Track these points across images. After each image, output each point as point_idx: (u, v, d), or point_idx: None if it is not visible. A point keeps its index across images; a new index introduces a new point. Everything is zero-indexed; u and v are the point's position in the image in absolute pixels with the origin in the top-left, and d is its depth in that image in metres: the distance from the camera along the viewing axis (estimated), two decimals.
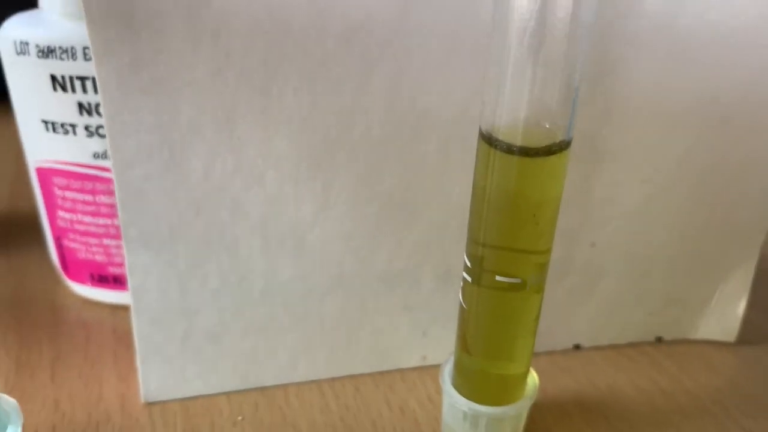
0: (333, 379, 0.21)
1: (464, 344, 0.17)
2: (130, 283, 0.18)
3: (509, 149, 0.14)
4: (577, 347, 0.23)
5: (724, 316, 0.23)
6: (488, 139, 0.15)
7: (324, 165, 0.18)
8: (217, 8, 0.15)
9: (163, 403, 0.20)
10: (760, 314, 0.25)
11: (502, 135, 0.14)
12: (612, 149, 0.19)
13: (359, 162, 0.18)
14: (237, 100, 0.17)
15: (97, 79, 0.16)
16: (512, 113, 0.14)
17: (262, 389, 0.21)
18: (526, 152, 0.14)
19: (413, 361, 0.22)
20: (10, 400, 0.16)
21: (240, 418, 0.20)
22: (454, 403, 0.18)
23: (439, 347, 0.21)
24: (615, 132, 0.19)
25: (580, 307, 0.22)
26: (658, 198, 0.21)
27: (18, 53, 0.20)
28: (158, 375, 0.20)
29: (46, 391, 0.20)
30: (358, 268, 0.20)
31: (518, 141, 0.14)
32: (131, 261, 0.18)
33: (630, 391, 0.21)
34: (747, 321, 0.23)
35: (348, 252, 0.19)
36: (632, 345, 0.23)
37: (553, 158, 0.14)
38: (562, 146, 0.14)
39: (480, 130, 0.15)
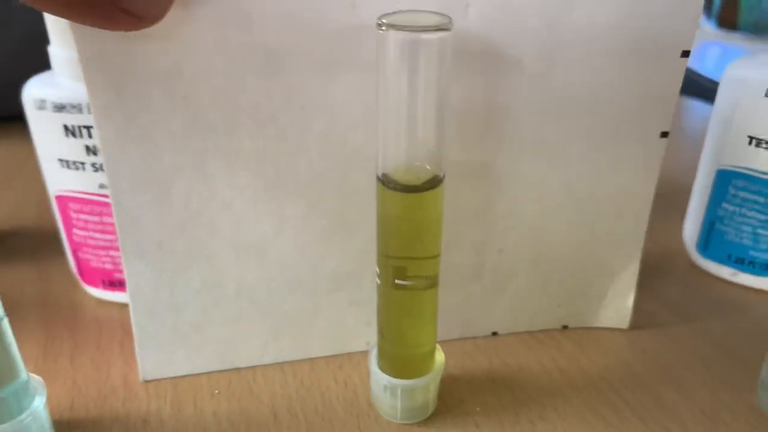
0: (293, 362, 0.25)
1: (380, 333, 0.22)
2: (128, 285, 0.22)
3: (394, 187, 0.19)
4: (494, 334, 0.27)
5: (618, 307, 0.27)
6: (381, 180, 0.19)
7: (278, 192, 0.22)
8: (187, 77, 0.20)
9: (157, 381, 0.25)
10: (652, 303, 0.28)
11: (391, 176, 0.18)
12: (509, 174, 0.23)
13: (307, 188, 0.22)
14: (207, 145, 0.21)
15: (97, 132, 0.20)
16: (396, 159, 0.18)
17: (237, 370, 0.25)
18: (408, 189, 0.19)
19: (359, 346, 0.25)
20: (37, 378, 0.21)
21: (216, 391, 0.24)
22: (376, 378, 0.22)
23: None
24: (509, 162, 0.23)
25: (495, 302, 0.26)
26: (552, 213, 0.24)
27: (38, 108, 0.25)
28: (153, 358, 0.24)
29: (66, 372, 0.24)
30: (311, 271, 0.24)
31: (401, 180, 0.19)
32: (128, 269, 0.22)
33: (534, 368, 0.25)
34: (641, 310, 0.27)
35: (303, 259, 0.23)
36: (542, 332, 0.27)
37: (430, 192, 0.19)
38: (436, 183, 0.19)
39: (376, 173, 0.19)
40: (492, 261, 0.25)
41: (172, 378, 0.24)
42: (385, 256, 0.20)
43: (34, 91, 0.24)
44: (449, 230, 0.23)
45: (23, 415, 0.20)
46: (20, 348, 0.20)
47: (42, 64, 0.26)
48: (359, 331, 0.25)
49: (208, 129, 0.21)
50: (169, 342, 0.24)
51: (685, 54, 0.21)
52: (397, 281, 0.20)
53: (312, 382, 0.24)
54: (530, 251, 0.25)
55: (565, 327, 0.27)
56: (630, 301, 0.27)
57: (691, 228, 0.30)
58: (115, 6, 0.15)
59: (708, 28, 0.56)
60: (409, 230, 0.19)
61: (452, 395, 0.23)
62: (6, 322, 0.19)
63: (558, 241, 0.25)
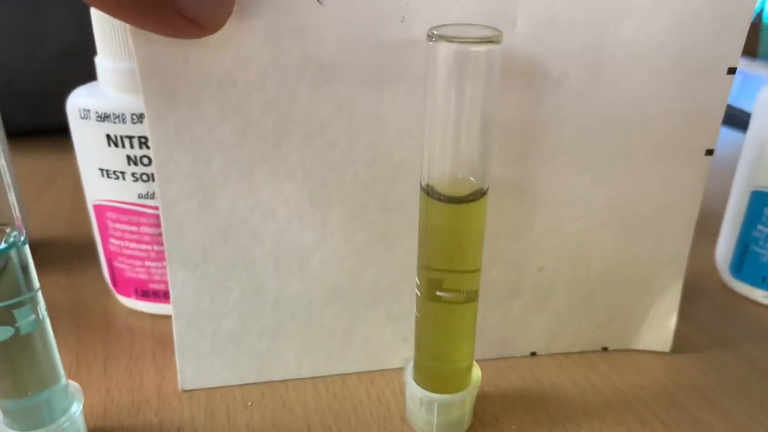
0: (326, 377, 0.25)
1: (418, 346, 0.22)
2: (171, 294, 0.23)
3: (439, 198, 0.19)
4: (533, 354, 0.27)
5: (660, 329, 0.26)
6: (425, 190, 0.19)
7: (322, 203, 0.22)
8: (240, 87, 0.20)
9: (191, 391, 0.25)
10: (686, 326, 0.28)
11: (435, 187, 0.19)
12: (551, 191, 0.23)
13: (350, 201, 0.22)
14: (255, 154, 0.21)
15: (150, 139, 0.20)
16: (441, 171, 0.19)
17: (269, 382, 0.25)
18: (451, 200, 0.19)
19: (396, 363, 0.25)
20: (74, 384, 0.21)
21: (249, 403, 0.24)
22: (412, 392, 0.22)
23: None
24: (552, 178, 0.23)
25: (534, 321, 0.26)
26: (593, 232, 0.24)
27: (81, 118, 0.25)
28: (192, 368, 0.24)
29: (99, 380, 0.24)
30: (350, 285, 0.24)
31: (445, 191, 0.19)
32: (172, 277, 0.23)
33: (568, 388, 0.25)
34: (681, 335, 0.27)
35: (342, 272, 0.23)
36: (581, 353, 0.27)
37: (473, 204, 0.19)
38: (479, 195, 0.19)
39: (420, 183, 0.19)
40: (532, 279, 0.25)
41: (207, 389, 0.24)
42: (425, 268, 0.20)
43: (78, 101, 0.25)
44: (489, 247, 0.24)
45: (62, 420, 0.20)
46: None
47: (77, 78, 0.26)
48: (396, 346, 0.25)
49: (258, 138, 0.21)
50: (209, 352, 0.24)
51: (731, 71, 0.22)
52: (437, 293, 0.20)
53: (345, 396, 0.24)
54: (571, 270, 0.25)
55: (605, 349, 0.27)
56: (672, 323, 0.26)
57: (723, 250, 0.30)
58: (177, 13, 0.16)
59: None
60: (451, 242, 0.19)
61: (487, 413, 0.23)
62: (48, 323, 0.20)
63: (599, 261, 0.25)
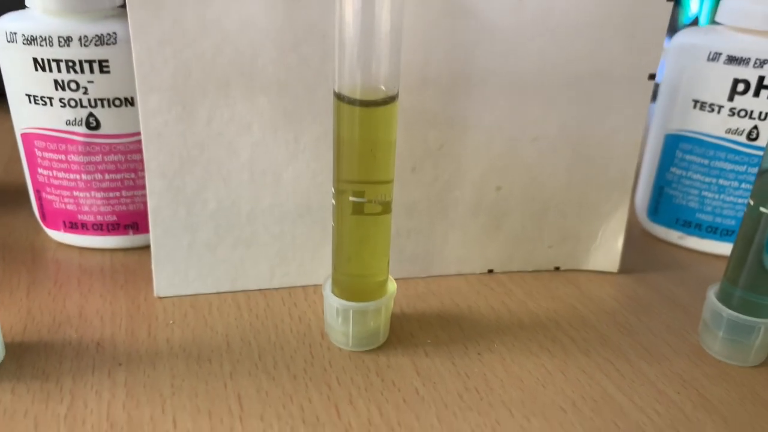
0: (290, 288, 0.26)
1: (336, 259, 0.23)
2: (149, 203, 0.24)
3: (351, 102, 0.20)
4: (490, 271, 0.28)
5: (608, 250, 0.28)
6: (337, 96, 0.20)
7: (296, 119, 0.23)
8: (220, 2, 0.21)
9: (116, 310, 0.25)
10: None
11: (347, 93, 0.20)
12: (507, 115, 0.25)
13: (322, 116, 0.24)
14: (232, 69, 0.22)
15: (132, 50, 0.21)
16: (352, 78, 0.19)
17: (188, 303, 0.25)
18: (363, 104, 0.20)
19: None
20: None
21: (171, 321, 0.25)
22: (330, 302, 0.23)
23: None
24: (507, 103, 0.25)
25: (491, 240, 0.27)
26: (547, 154, 0.26)
27: (8, 41, 0.25)
28: (167, 276, 0.25)
29: (20, 303, 0.25)
30: (321, 199, 0.25)
31: (358, 96, 0.20)
32: (150, 187, 0.23)
33: (484, 310, 0.26)
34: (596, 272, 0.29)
35: (313, 186, 0.25)
36: (535, 273, 0.28)
37: (384, 108, 0.20)
38: (390, 101, 0.20)
39: (333, 91, 0.20)
40: (489, 198, 0.27)
41: (177, 297, 0.25)
42: (341, 181, 0.21)
43: (4, 24, 0.25)
44: (451, 167, 0.25)
45: None
46: None
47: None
48: None
49: (235, 53, 0.22)
50: (184, 261, 0.25)
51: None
52: (351, 198, 0.21)
53: (267, 315, 0.25)
54: (526, 190, 0.27)
55: (557, 268, 0.29)
56: (620, 244, 0.28)
57: (641, 196, 0.32)
58: None
59: None
60: (364, 150, 0.20)
61: (403, 330, 0.24)
62: None
63: (552, 183, 0.27)
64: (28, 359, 0.22)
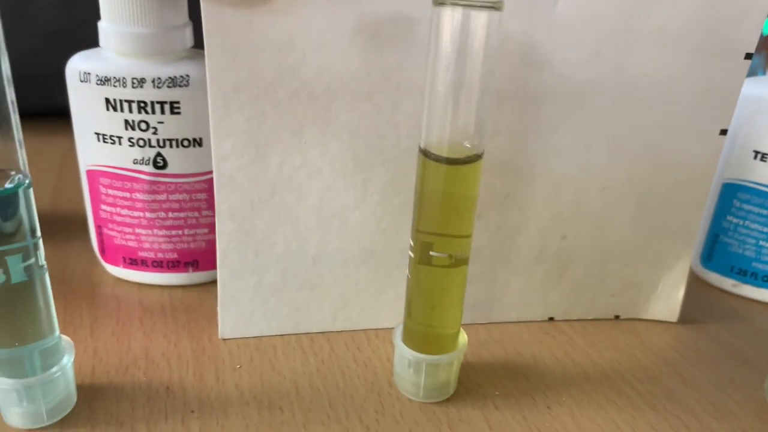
0: (319, 338, 0.26)
1: (408, 309, 0.23)
2: (218, 245, 0.24)
3: (437, 159, 0.20)
4: (551, 319, 0.28)
5: (668, 300, 0.28)
6: (423, 152, 0.20)
7: (365, 165, 0.24)
8: (298, 49, 0.21)
9: (182, 353, 0.25)
10: None
11: (433, 150, 0.20)
12: (577, 163, 0.25)
13: (391, 164, 0.24)
14: (306, 115, 0.23)
15: (209, 96, 0.22)
16: (440, 134, 0.20)
17: (258, 345, 0.25)
18: (449, 161, 0.20)
19: None
20: (66, 338, 0.22)
21: (238, 366, 0.25)
22: (401, 353, 0.23)
23: None
24: (577, 151, 0.25)
25: (553, 288, 0.27)
26: (613, 204, 0.26)
27: (81, 81, 0.26)
28: (232, 317, 0.25)
29: (86, 342, 0.24)
30: (385, 244, 0.25)
31: (444, 154, 0.20)
32: (220, 229, 0.24)
33: (548, 361, 0.26)
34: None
35: (378, 232, 0.25)
36: (595, 321, 0.28)
37: (469, 166, 0.20)
38: (475, 159, 0.20)
39: (419, 147, 0.20)
40: (555, 247, 0.27)
41: (241, 339, 0.26)
42: (419, 232, 0.21)
43: (79, 64, 0.25)
44: (517, 215, 0.26)
45: (54, 369, 0.20)
46: None
47: (62, 61, 0.26)
48: None
49: (310, 99, 0.22)
50: (249, 303, 0.25)
51: (748, 56, 0.24)
52: (431, 253, 0.21)
53: (332, 361, 0.24)
54: (591, 240, 0.27)
55: (617, 317, 0.29)
56: (680, 294, 0.28)
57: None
58: None
59: None
60: (446, 205, 0.20)
61: (470, 380, 0.24)
62: (46, 272, 0.20)
63: (617, 232, 0.27)
64: (100, 403, 0.22)
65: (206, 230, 0.27)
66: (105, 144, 0.26)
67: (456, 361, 0.22)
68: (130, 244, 0.27)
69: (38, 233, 0.19)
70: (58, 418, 0.21)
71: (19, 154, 0.18)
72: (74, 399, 0.22)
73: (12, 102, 0.18)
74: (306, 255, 0.25)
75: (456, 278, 0.21)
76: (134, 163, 0.26)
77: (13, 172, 0.18)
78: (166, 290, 0.28)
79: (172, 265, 0.28)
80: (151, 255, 0.28)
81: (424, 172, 0.20)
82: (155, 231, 0.27)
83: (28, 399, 0.20)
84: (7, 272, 0.18)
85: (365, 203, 0.24)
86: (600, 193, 0.26)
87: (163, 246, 0.27)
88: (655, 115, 0.25)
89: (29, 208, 0.19)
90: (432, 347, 0.22)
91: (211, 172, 0.23)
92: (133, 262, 0.28)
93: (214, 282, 0.29)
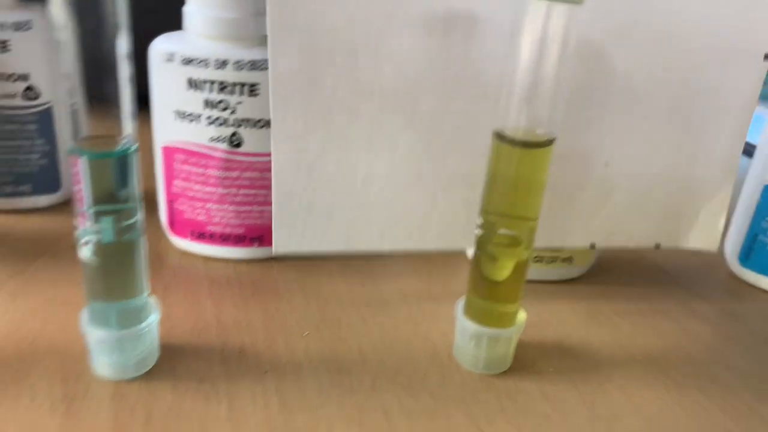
0: (411, 307, 0.28)
1: (472, 283, 0.24)
2: (273, 165, 0.25)
3: (511, 142, 0.21)
4: (592, 246, 0.29)
5: (709, 228, 0.29)
6: (498, 135, 0.22)
7: (415, 90, 0.25)
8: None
9: (251, 317, 0.26)
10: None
11: (508, 132, 0.21)
12: (619, 89, 0.26)
13: (443, 85, 0.25)
14: (359, 40, 0.24)
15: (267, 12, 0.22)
16: (515, 121, 0.21)
17: (323, 320, 0.26)
18: (523, 144, 0.21)
19: (467, 245, 0.28)
20: (153, 298, 0.23)
21: (306, 333, 0.26)
22: (463, 326, 0.24)
23: None
24: (622, 77, 0.26)
25: (595, 214, 0.28)
26: (656, 132, 0.27)
27: (166, 61, 0.27)
28: (285, 234, 0.26)
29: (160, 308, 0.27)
30: (433, 168, 0.26)
31: (519, 137, 0.21)
32: (275, 148, 0.25)
33: (595, 344, 0.27)
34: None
35: (427, 154, 0.26)
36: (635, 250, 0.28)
37: (542, 150, 0.21)
38: (547, 143, 0.21)
39: (494, 131, 0.22)
40: (598, 173, 0.27)
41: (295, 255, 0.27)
42: (490, 213, 0.22)
43: (164, 45, 0.27)
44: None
45: (143, 325, 0.22)
46: None
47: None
48: (469, 230, 0.26)
49: (365, 23, 0.23)
50: (302, 220, 0.26)
51: None
52: (501, 231, 0.22)
53: (393, 333, 0.26)
54: (633, 167, 0.27)
55: (657, 246, 0.29)
56: (721, 224, 0.29)
57: (732, 241, 0.33)
58: None
59: None
60: (515, 187, 0.22)
61: (525, 357, 0.25)
62: (143, 240, 0.21)
63: (659, 160, 0.27)
64: (180, 361, 0.23)
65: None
66: (183, 122, 0.27)
67: (515, 335, 0.24)
68: (200, 218, 0.29)
69: (141, 196, 0.21)
70: (143, 371, 0.22)
71: (130, 124, 0.20)
72: (157, 355, 0.23)
73: (127, 77, 0.19)
74: (356, 176, 0.26)
75: (520, 258, 0.23)
76: (210, 141, 0.27)
77: (124, 139, 0.20)
78: (231, 264, 0.30)
79: (238, 240, 0.29)
80: (219, 229, 0.29)
81: (498, 154, 0.21)
82: (225, 206, 0.29)
83: (119, 350, 0.21)
84: (119, 230, 0.20)
85: (414, 127, 0.25)
86: (643, 120, 0.26)
87: (232, 221, 0.29)
88: (698, 41, 0.25)
89: (137, 172, 0.20)
90: (492, 322, 0.23)
91: None
92: (201, 236, 0.29)
93: (276, 258, 0.30)
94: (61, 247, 0.30)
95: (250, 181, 0.28)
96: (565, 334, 0.27)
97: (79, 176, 0.19)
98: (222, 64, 0.26)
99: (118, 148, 0.19)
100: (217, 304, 0.27)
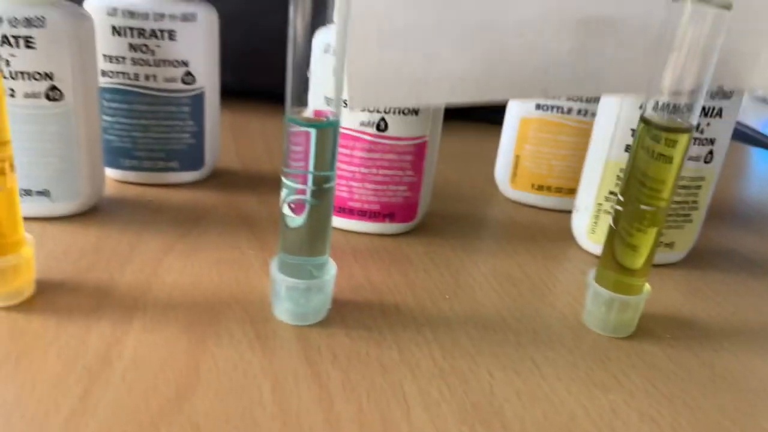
0: (537, 275, 0.31)
1: (608, 255, 0.27)
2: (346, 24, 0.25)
3: (656, 127, 0.24)
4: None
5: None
6: (645, 121, 0.25)
7: None
8: None
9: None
10: None
11: (651, 119, 0.24)
12: None
13: None
14: None
15: None
16: (659, 113, 0.24)
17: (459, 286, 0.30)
18: (666, 129, 0.24)
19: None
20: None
21: (447, 296, 0.29)
22: (597, 291, 0.27)
23: None
24: None
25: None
26: None
27: (324, 51, 0.31)
28: (361, 89, 0.28)
29: None
30: (500, 17, 0.27)
31: (664, 123, 0.24)
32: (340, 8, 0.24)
33: (703, 316, 0.30)
34: None
35: (492, 4, 0.26)
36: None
37: (683, 135, 0.25)
38: (687, 130, 0.25)
39: (641, 115, 0.25)
40: (657, 17, 0.27)
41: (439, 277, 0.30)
42: (628, 189, 0.25)
43: (324, 38, 0.30)
44: None
45: (327, 276, 0.25)
46: None
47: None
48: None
49: None
50: (375, 75, 0.27)
51: None
52: (641, 207, 0.25)
53: (525, 300, 0.29)
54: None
55: (720, 87, 0.30)
56: None
57: None
58: None
59: None
60: (656, 168, 0.25)
61: (645, 326, 0.28)
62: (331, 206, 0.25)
63: None
64: (347, 312, 0.26)
65: (405, 188, 0.32)
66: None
67: (642, 302, 0.27)
68: (343, 194, 0.32)
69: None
70: (318, 320, 0.26)
71: (334, 103, 0.23)
72: (329, 306, 0.26)
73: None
74: (425, 29, 0.27)
75: (650, 235, 0.26)
76: (360, 125, 0.31)
77: (329, 116, 0.23)
78: (366, 237, 0.33)
79: (373, 216, 0.33)
80: (357, 206, 0.32)
81: (642, 136, 0.25)
82: (365, 185, 0.32)
83: (304, 297, 0.25)
84: (324, 196, 0.23)
85: None
86: None
87: (370, 198, 0.32)
88: None
89: (336, 143, 0.23)
90: (623, 290, 0.26)
91: (421, 137, 0.28)
92: (342, 210, 0.33)
93: (405, 233, 0.34)
94: (213, 217, 0.34)
95: (389, 162, 0.31)
96: (674, 309, 0.30)
97: (301, 145, 0.22)
98: None
99: (331, 120, 0.23)
100: (363, 269, 0.30)
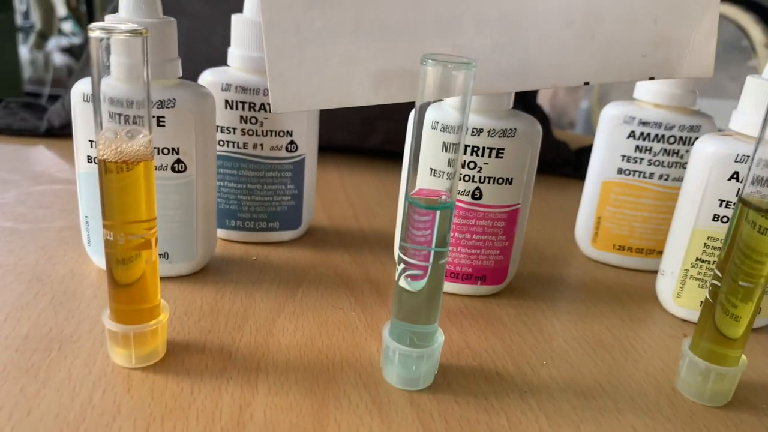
0: (626, 336, 0.32)
1: (701, 331, 0.28)
2: (262, 22, 0.26)
3: (758, 209, 0.26)
4: (586, 83, 0.29)
5: (701, 55, 0.29)
6: (744, 202, 0.26)
7: None
8: None
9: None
10: None
11: (755, 202, 0.26)
12: None
13: None
14: None
15: None
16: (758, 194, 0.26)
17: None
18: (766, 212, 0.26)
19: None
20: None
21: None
22: (693, 361, 0.28)
23: None
24: None
25: (584, 50, 0.28)
26: None
27: (432, 128, 0.33)
28: (281, 93, 0.27)
29: None
30: (420, 16, 0.27)
31: (764, 207, 0.26)
32: (264, 6, 0.25)
33: None
34: None
35: (411, 3, 0.26)
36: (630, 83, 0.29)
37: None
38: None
39: (739, 197, 0.26)
40: (582, 6, 0.27)
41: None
42: (723, 271, 0.26)
43: (430, 114, 0.32)
44: None
45: (435, 345, 0.27)
46: None
47: None
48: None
49: None
50: (296, 78, 0.27)
51: None
52: (741, 283, 0.26)
53: (617, 366, 0.30)
54: None
55: (651, 78, 0.29)
56: (713, 48, 0.28)
57: None
58: None
59: None
60: (751, 246, 0.26)
61: (738, 394, 0.29)
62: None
63: None
64: (452, 378, 0.28)
65: (497, 252, 0.34)
66: (435, 177, 0.33)
67: (739, 374, 0.28)
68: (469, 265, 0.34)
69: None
70: (427, 385, 0.27)
71: (453, 185, 0.25)
72: (436, 372, 0.28)
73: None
74: (343, 29, 0.26)
75: (745, 312, 0.27)
76: (458, 194, 0.33)
77: (443, 197, 0.25)
78: (458, 298, 0.35)
79: (466, 278, 0.34)
80: (451, 268, 0.34)
81: (740, 218, 0.26)
82: (459, 249, 0.34)
83: (417, 364, 0.26)
84: (440, 269, 0.25)
85: None
86: None
87: (463, 261, 0.34)
88: None
89: (452, 222, 0.25)
90: (719, 361, 0.27)
91: (515, 205, 0.30)
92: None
93: (495, 294, 0.35)
94: (312, 277, 0.36)
95: (483, 228, 0.33)
96: (765, 375, 0.31)
97: (425, 223, 0.24)
98: (478, 131, 0.31)
99: (448, 201, 0.25)
100: (460, 332, 0.32)
